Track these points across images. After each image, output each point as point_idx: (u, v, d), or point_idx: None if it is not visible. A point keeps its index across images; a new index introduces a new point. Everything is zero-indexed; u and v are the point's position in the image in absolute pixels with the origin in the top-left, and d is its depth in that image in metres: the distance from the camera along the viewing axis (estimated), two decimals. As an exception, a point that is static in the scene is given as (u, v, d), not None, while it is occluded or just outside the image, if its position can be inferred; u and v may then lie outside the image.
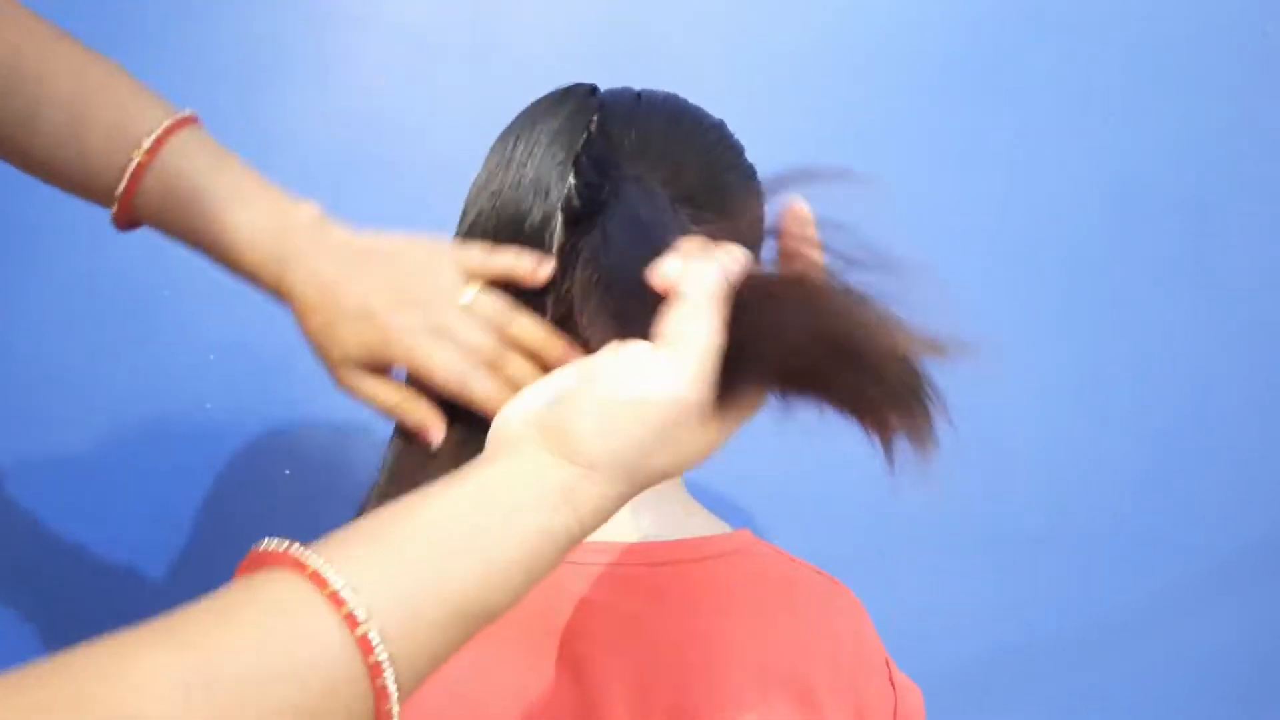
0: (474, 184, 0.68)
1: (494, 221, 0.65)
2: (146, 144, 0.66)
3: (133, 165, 0.66)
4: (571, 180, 0.63)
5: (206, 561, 1.09)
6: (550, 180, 0.64)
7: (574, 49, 1.10)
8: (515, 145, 0.66)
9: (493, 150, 0.67)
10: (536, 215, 0.64)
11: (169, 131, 0.66)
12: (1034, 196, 1.14)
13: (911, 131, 1.12)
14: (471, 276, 0.64)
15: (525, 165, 0.64)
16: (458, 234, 0.68)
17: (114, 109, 0.67)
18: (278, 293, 0.65)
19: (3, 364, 1.06)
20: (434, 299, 0.63)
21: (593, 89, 0.68)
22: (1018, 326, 1.14)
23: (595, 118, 0.65)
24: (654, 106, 0.67)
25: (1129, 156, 1.15)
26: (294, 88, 1.07)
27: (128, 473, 1.07)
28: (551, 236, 0.63)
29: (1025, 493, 1.15)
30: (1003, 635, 1.15)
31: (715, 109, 1.11)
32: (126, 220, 0.69)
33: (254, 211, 0.65)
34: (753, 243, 0.67)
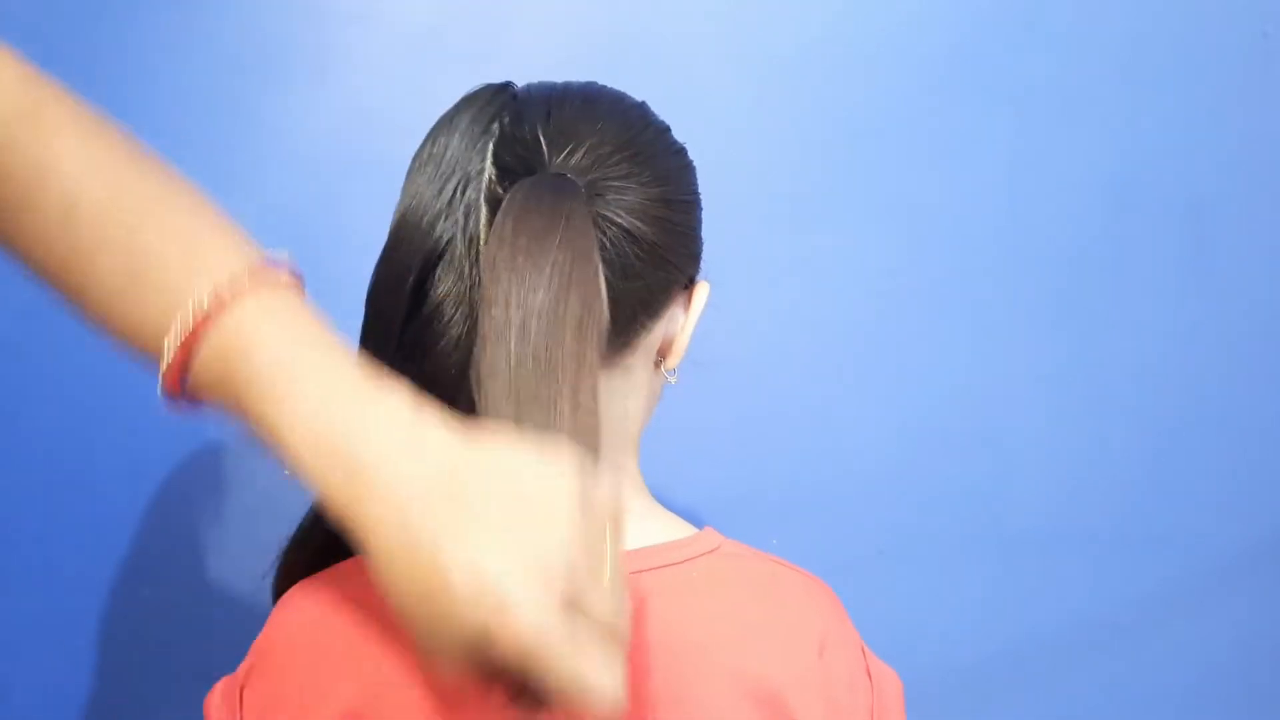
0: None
1: (408, 229, 0.63)
2: (204, 305, 0.50)
3: (181, 333, 0.50)
4: (490, 169, 0.62)
5: (207, 561, 1.09)
6: (470, 170, 0.62)
7: (574, 48, 1.10)
8: (432, 145, 0.64)
9: (414, 156, 0.65)
10: (459, 211, 0.62)
11: (239, 293, 0.51)
12: (1034, 196, 1.14)
13: (911, 131, 1.12)
14: (608, 525, 0.49)
15: (441, 161, 0.63)
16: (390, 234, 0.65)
17: (176, 258, 0.52)
18: (350, 527, 0.49)
19: (3, 363, 1.06)
20: (568, 566, 0.46)
21: (508, 84, 0.66)
22: (1017, 326, 1.14)
23: (509, 108, 0.64)
24: (570, 91, 0.66)
25: (1129, 156, 1.15)
26: (294, 87, 1.07)
27: (127, 472, 1.07)
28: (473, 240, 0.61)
29: (1025, 493, 1.15)
30: (1003, 635, 1.15)
31: (715, 109, 1.11)
32: (181, 397, 0.53)
33: (320, 405, 0.49)
34: (687, 214, 0.66)
